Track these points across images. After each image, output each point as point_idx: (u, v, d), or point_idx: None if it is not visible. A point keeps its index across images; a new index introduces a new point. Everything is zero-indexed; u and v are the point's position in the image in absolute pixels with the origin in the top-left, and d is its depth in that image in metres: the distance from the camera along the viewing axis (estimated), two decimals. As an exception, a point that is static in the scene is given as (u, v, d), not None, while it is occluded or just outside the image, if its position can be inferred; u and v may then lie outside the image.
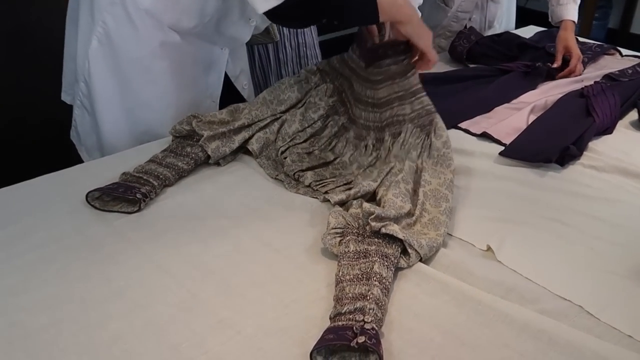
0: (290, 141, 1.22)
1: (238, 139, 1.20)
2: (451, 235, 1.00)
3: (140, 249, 0.96)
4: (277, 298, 0.86)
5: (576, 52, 1.62)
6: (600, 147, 1.27)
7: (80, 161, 1.36)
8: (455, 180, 1.09)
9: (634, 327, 0.81)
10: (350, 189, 1.06)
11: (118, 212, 1.04)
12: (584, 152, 1.25)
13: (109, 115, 1.29)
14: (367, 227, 0.94)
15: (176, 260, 0.93)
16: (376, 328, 0.77)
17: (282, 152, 1.20)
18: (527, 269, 0.92)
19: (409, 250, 0.91)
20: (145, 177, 1.09)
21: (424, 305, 0.85)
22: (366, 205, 0.96)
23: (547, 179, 1.16)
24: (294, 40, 1.79)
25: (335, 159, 1.19)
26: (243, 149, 1.23)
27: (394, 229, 0.91)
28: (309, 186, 1.11)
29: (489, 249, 0.96)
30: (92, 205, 1.05)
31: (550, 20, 1.74)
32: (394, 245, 0.91)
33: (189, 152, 1.18)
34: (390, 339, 0.79)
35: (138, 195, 1.03)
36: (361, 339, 0.74)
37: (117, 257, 0.93)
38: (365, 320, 0.78)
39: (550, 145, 1.21)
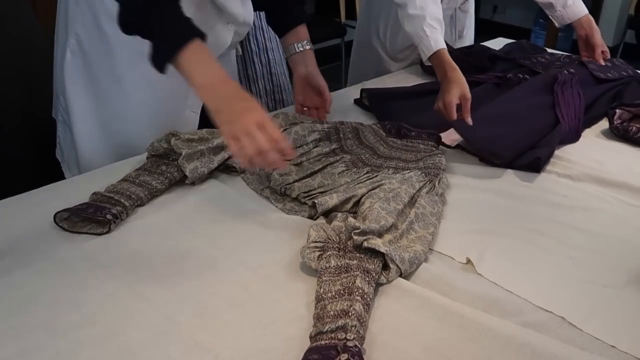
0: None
1: (217, 159, 1.17)
2: (431, 249, 0.99)
3: (112, 272, 0.92)
4: (254, 319, 0.83)
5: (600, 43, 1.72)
6: (574, 157, 1.27)
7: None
8: (430, 192, 1.09)
9: (617, 337, 0.81)
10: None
11: (87, 233, 1.01)
12: (559, 162, 1.25)
13: (84, 128, 1.26)
14: (350, 242, 0.92)
15: (149, 282, 0.90)
16: (359, 345, 0.76)
17: None
18: (507, 281, 0.91)
19: (390, 264, 0.89)
20: (116, 197, 1.06)
21: (405, 321, 0.84)
22: (351, 219, 0.95)
23: (523, 189, 1.16)
24: (264, 57, 1.77)
25: (325, 167, 1.17)
26: (221, 166, 1.21)
27: (377, 242, 0.89)
28: (296, 198, 1.09)
29: (468, 261, 0.95)
30: (60, 227, 1.01)
31: (557, 24, 1.80)
32: (375, 260, 0.89)
33: (163, 170, 1.15)
34: (372, 357, 0.77)
35: (108, 217, 1.00)
36: (344, 357, 0.72)
37: (88, 281, 0.90)
38: (348, 337, 0.76)
39: (508, 146, 1.23)
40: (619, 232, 1.03)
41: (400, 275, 0.90)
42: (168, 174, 1.14)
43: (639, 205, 1.11)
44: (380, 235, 0.94)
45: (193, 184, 1.16)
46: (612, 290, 0.90)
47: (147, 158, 1.19)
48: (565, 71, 1.49)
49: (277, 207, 1.10)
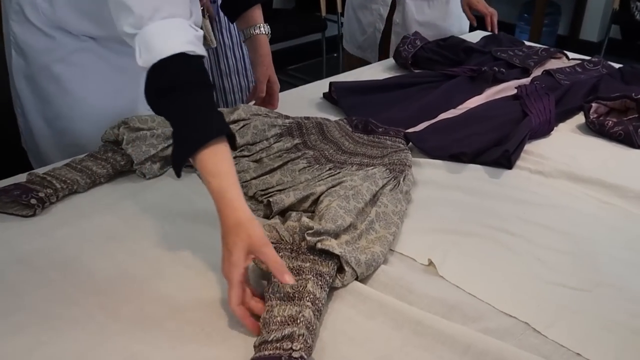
0: (239, 152, 1.13)
1: (162, 146, 1.11)
2: (392, 250, 0.93)
3: (46, 277, 0.86)
4: (197, 326, 0.78)
5: (485, 10, 1.84)
6: (546, 152, 1.22)
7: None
8: (396, 190, 1.03)
9: (584, 344, 0.75)
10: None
11: (13, 214, 0.98)
12: (530, 157, 1.20)
13: (36, 125, 1.21)
14: (303, 243, 0.86)
15: (86, 288, 0.84)
16: (305, 357, 0.70)
17: None
18: (470, 284, 0.86)
19: (345, 267, 0.84)
20: (49, 179, 1.03)
21: (359, 327, 0.78)
22: (305, 219, 0.89)
23: (492, 186, 1.11)
24: (239, 51, 1.71)
25: (285, 163, 1.11)
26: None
27: (331, 244, 0.84)
28: (253, 197, 1.03)
29: (430, 263, 0.89)
30: None
31: None
32: (330, 263, 0.84)
33: (109, 157, 1.11)
34: (320, 368, 0.72)
35: (32, 201, 0.98)
36: None
37: (20, 287, 0.84)
38: (294, 348, 0.70)
39: (471, 143, 1.18)
40: (590, 231, 0.98)
41: (357, 279, 0.85)
42: (112, 160, 1.10)
43: (612, 203, 1.06)
44: (336, 235, 0.88)
45: (143, 176, 1.10)
46: (581, 293, 0.85)
47: (101, 145, 1.15)
48: (525, 85, 1.44)
49: (232, 205, 1.04)
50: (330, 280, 0.82)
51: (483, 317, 0.80)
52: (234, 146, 0.85)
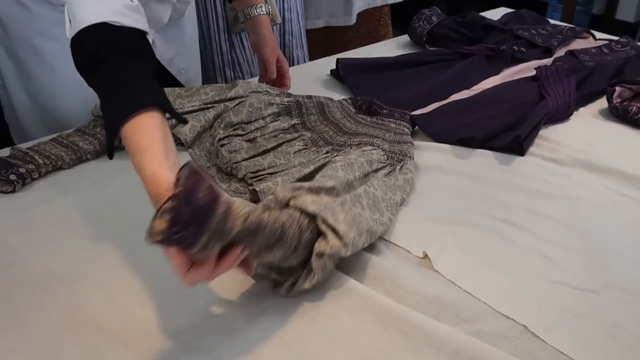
0: (232, 130, 1.08)
1: None
2: (385, 240, 0.87)
3: (18, 257, 0.82)
4: (170, 315, 0.73)
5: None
6: (563, 138, 1.14)
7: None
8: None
9: (586, 352, 0.69)
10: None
11: None
12: (545, 143, 1.12)
13: (17, 100, 1.16)
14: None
15: (59, 270, 0.80)
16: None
17: (220, 140, 1.05)
18: (467, 280, 0.79)
19: (323, 228, 0.74)
20: (31, 154, 0.99)
21: (341, 325, 0.72)
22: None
23: (500, 173, 1.03)
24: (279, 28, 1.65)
25: (280, 144, 1.04)
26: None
27: (305, 200, 0.74)
28: (242, 179, 0.98)
29: (425, 256, 0.83)
30: None
31: None
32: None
33: (97, 132, 1.06)
34: (296, 368, 0.67)
35: (12, 177, 0.94)
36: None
37: (-11, 268, 0.80)
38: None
39: (481, 128, 1.10)
40: (603, 227, 0.90)
41: (343, 242, 0.74)
42: (100, 136, 1.05)
43: (631, 196, 0.97)
44: (316, 191, 0.80)
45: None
46: (587, 294, 0.77)
47: (91, 120, 1.10)
48: (550, 64, 1.34)
49: (221, 187, 0.98)
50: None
51: (477, 318, 0.73)
52: (181, 119, 0.79)
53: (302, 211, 0.73)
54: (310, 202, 0.74)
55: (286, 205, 0.75)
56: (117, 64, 0.73)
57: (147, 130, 0.70)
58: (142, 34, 0.78)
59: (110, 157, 0.75)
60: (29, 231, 0.87)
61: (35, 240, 0.85)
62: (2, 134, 1.28)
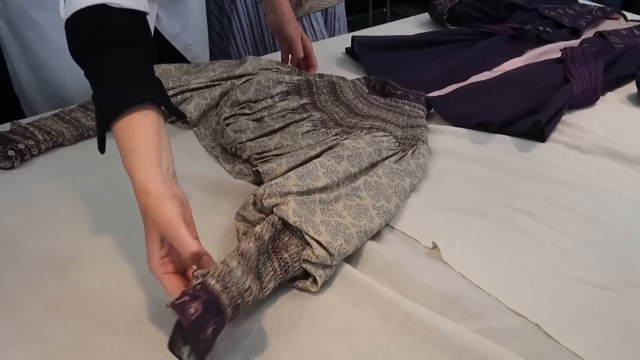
0: (238, 109, 1.03)
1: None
2: (392, 227, 0.82)
3: (11, 236, 0.79)
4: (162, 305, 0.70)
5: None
6: (588, 124, 1.07)
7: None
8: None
9: (603, 355, 0.64)
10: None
11: None
12: (568, 129, 1.06)
13: (21, 73, 1.13)
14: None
15: (48, 252, 0.77)
16: (211, 284, 0.59)
17: (226, 119, 1.01)
18: (477, 274, 0.74)
19: (307, 238, 0.72)
20: (31, 130, 0.96)
21: (341, 317, 0.68)
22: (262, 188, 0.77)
23: (519, 160, 0.98)
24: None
25: (288, 125, 1.00)
26: (169, 117, 1.06)
27: (287, 209, 0.72)
28: (247, 160, 0.94)
29: (434, 246, 0.78)
30: None
31: None
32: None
33: None
34: (291, 363, 0.63)
35: (10, 152, 0.92)
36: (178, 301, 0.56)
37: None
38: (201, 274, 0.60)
39: (500, 112, 1.05)
40: (627, 220, 0.84)
41: (328, 252, 0.71)
42: None
43: (658, 187, 0.92)
44: (306, 194, 0.77)
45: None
46: (607, 293, 0.72)
47: None
48: (577, 46, 1.27)
49: (224, 168, 0.95)
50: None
51: (487, 314, 0.69)
52: (179, 114, 0.72)
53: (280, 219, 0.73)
54: (292, 213, 0.72)
55: (270, 211, 0.74)
56: (112, 55, 0.67)
57: (139, 130, 0.65)
58: (142, 17, 0.71)
59: (102, 151, 0.69)
60: (24, 209, 0.84)
61: (31, 220, 0.83)
62: (14, 106, 1.25)
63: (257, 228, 0.69)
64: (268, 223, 0.71)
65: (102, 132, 0.67)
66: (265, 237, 0.68)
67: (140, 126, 0.65)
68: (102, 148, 0.69)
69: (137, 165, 0.63)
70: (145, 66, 0.70)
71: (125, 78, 0.66)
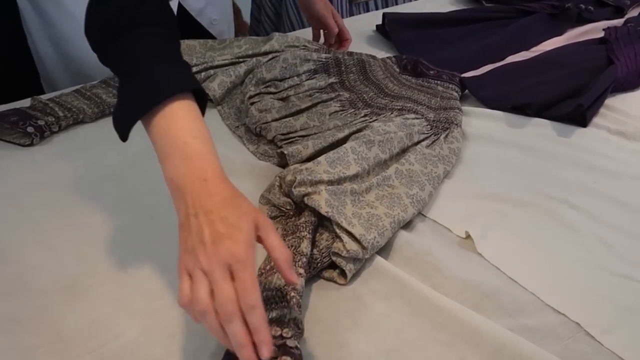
0: (264, 87, 1.00)
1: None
2: (423, 215, 0.78)
3: (28, 216, 0.77)
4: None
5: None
6: (633, 109, 1.01)
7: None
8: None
9: (649, 359, 0.59)
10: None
11: (10, 142, 0.90)
12: (612, 114, 1.00)
13: (42, 48, 1.10)
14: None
15: (66, 233, 0.74)
16: (299, 347, 0.58)
17: (251, 98, 0.97)
18: (513, 267, 0.70)
19: (338, 231, 0.68)
20: (51, 106, 0.94)
21: (367, 310, 0.65)
22: (290, 173, 0.74)
23: (559, 146, 0.92)
24: None
25: (315, 105, 0.96)
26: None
27: (319, 199, 0.69)
28: (272, 140, 0.90)
29: (468, 236, 0.74)
30: None
31: None
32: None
33: None
34: (314, 355, 0.59)
35: (29, 129, 0.89)
36: None
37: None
38: (284, 335, 0.58)
39: (538, 94, 0.99)
40: (676, 212, 0.79)
41: (361, 246, 0.68)
42: None
43: None
44: (338, 183, 0.74)
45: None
46: (654, 291, 0.68)
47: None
48: (621, 25, 1.20)
49: (248, 149, 0.91)
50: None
51: (523, 311, 0.65)
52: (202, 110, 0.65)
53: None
54: (324, 203, 0.69)
55: (300, 199, 0.71)
56: (140, 37, 0.61)
57: (200, 115, 0.61)
58: None
59: (125, 139, 0.62)
60: (42, 188, 0.82)
61: (48, 199, 0.80)
62: (33, 82, 1.23)
63: (303, 248, 0.66)
64: (308, 239, 0.67)
65: (131, 123, 0.60)
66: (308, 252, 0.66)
67: (199, 112, 0.61)
68: (127, 135, 0.62)
69: (214, 150, 0.60)
70: (176, 49, 0.65)
71: (157, 63, 0.61)
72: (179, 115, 0.59)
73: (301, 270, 0.63)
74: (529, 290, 0.67)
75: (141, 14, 0.61)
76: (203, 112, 0.63)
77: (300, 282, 0.62)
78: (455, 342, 0.61)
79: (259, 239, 0.56)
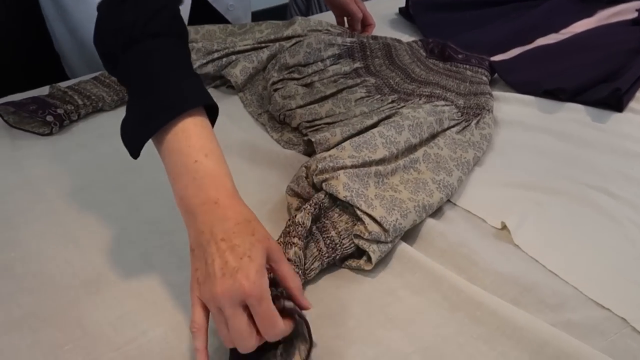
0: (287, 73, 0.97)
1: (201, 62, 0.97)
2: (455, 205, 0.75)
3: (50, 207, 0.75)
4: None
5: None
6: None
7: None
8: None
9: (701, 356, 0.57)
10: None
11: (29, 131, 0.88)
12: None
13: (58, 33, 1.08)
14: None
15: (89, 225, 0.72)
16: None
17: (274, 84, 0.94)
18: (553, 258, 0.67)
19: (359, 213, 0.66)
20: (70, 94, 0.92)
21: (402, 305, 0.62)
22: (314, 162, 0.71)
23: (594, 132, 0.89)
24: None
25: (340, 91, 0.93)
26: (213, 82, 1.01)
27: (337, 184, 0.67)
28: (297, 128, 0.88)
29: (504, 227, 0.71)
30: (6, 121, 0.89)
31: None
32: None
33: None
34: (347, 354, 0.57)
35: (48, 118, 0.87)
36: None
37: (17, 218, 0.73)
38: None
39: (572, 78, 0.95)
40: None
41: (382, 228, 0.65)
42: None
43: None
44: (361, 166, 0.71)
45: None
46: (702, 284, 0.64)
47: None
48: None
49: (272, 137, 0.89)
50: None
51: (565, 305, 0.62)
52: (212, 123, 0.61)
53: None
54: (342, 188, 0.66)
55: (320, 187, 0.68)
56: (155, 49, 0.58)
57: (212, 131, 0.58)
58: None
59: (137, 156, 0.59)
60: (63, 178, 0.80)
61: (70, 189, 0.78)
62: (56, 65, 1.20)
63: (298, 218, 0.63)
64: (307, 211, 0.65)
65: (142, 141, 0.57)
66: (307, 225, 0.64)
67: (211, 128, 0.58)
68: (138, 153, 0.59)
69: (226, 169, 0.57)
70: (189, 62, 0.62)
71: (170, 76, 0.57)
72: (190, 132, 0.56)
73: (296, 240, 0.61)
74: (570, 283, 0.64)
75: (156, 25, 0.58)
76: (213, 126, 0.60)
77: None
78: (495, 338, 0.58)
79: (270, 268, 0.54)
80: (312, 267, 0.63)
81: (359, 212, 0.65)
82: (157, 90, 0.56)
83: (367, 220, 0.64)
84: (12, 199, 0.77)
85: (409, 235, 0.69)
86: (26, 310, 0.62)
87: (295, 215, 0.64)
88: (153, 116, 0.56)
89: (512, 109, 0.94)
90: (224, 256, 0.50)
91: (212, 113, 0.60)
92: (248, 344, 0.50)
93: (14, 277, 0.65)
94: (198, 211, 0.54)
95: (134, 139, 0.58)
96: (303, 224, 0.64)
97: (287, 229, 0.64)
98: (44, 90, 0.96)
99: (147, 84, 0.57)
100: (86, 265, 0.67)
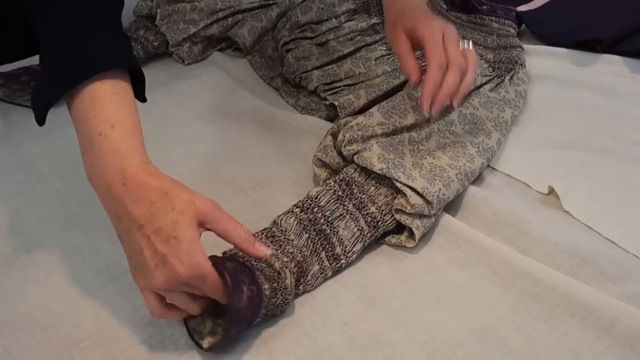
0: (299, 32, 0.89)
1: (205, 23, 0.89)
2: (496, 170, 0.69)
3: (51, 188, 0.69)
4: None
5: None
6: None
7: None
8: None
9: None
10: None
11: (22, 105, 0.81)
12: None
13: None
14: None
15: (95, 207, 0.65)
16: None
17: (285, 44, 0.87)
18: (609, 225, 0.62)
19: (399, 185, 0.59)
20: None
21: (449, 283, 0.57)
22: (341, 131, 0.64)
23: (636, 84, 0.82)
24: None
25: (358, 49, 0.86)
26: (218, 45, 0.93)
27: (370, 156, 0.60)
28: (314, 91, 0.80)
29: (551, 191, 0.65)
30: None
31: None
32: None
33: (139, 35, 0.91)
34: (394, 340, 0.51)
35: None
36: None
37: (17, 202, 0.67)
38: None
39: (609, 27, 0.89)
40: None
41: (425, 200, 0.59)
42: (143, 40, 0.89)
43: None
44: (392, 134, 0.65)
45: (182, 61, 0.90)
46: None
47: (132, 21, 0.94)
48: None
49: (287, 102, 0.82)
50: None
51: (629, 276, 0.56)
52: (138, 94, 0.54)
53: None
54: (376, 159, 0.60)
55: (351, 160, 0.62)
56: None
57: (129, 98, 0.51)
58: None
59: (42, 123, 0.52)
60: (63, 156, 0.73)
61: (71, 167, 0.70)
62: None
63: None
64: (329, 188, 0.60)
65: (63, 91, 0.49)
66: (322, 203, 0.59)
67: (128, 94, 0.51)
68: (44, 119, 0.51)
69: (137, 142, 0.50)
70: (115, 18, 0.54)
71: (95, 31, 0.50)
72: (98, 100, 0.48)
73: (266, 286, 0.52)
74: (630, 252, 0.59)
75: None
76: (141, 96, 0.53)
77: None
78: (557, 316, 0.53)
79: (209, 230, 0.49)
80: (353, 249, 0.57)
81: (398, 185, 0.59)
82: (65, 49, 0.49)
83: (408, 192, 0.58)
84: (9, 180, 0.70)
85: (449, 204, 0.63)
86: (33, 304, 0.55)
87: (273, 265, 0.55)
88: (58, 80, 0.49)
89: (544, 62, 0.87)
90: (150, 243, 0.46)
91: (137, 79, 0.53)
92: (198, 311, 0.50)
93: (18, 267, 0.59)
94: (108, 194, 0.48)
95: (37, 104, 0.50)
96: (317, 198, 0.59)
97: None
98: (36, 60, 0.88)
99: (56, 41, 0.50)
100: (95, 251, 0.61)
